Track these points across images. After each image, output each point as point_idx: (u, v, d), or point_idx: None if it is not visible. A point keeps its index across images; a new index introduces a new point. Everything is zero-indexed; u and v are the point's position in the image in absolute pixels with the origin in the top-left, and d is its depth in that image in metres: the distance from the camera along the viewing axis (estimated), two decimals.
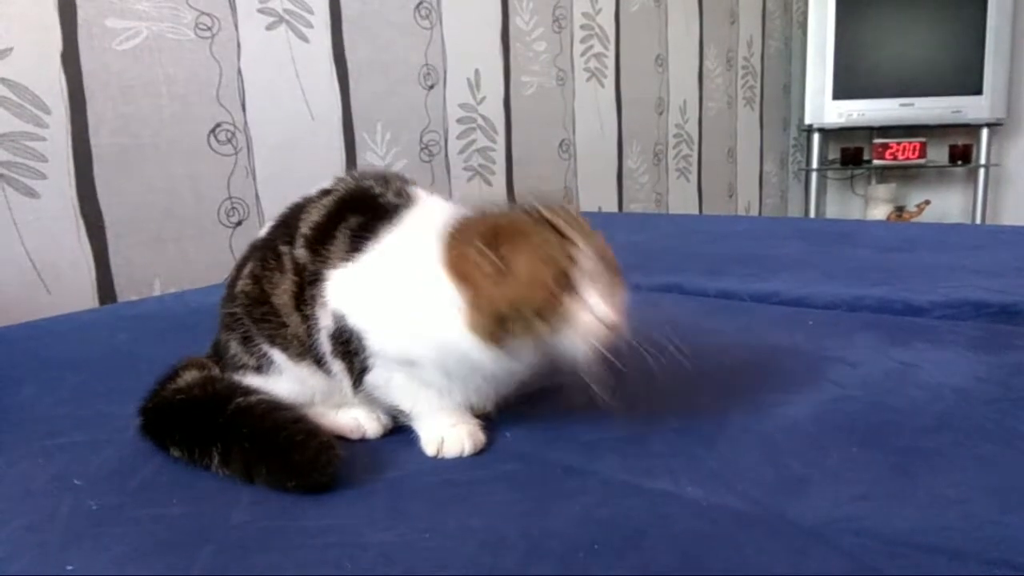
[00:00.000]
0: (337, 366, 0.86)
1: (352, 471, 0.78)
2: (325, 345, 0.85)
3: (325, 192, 0.91)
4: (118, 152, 1.82)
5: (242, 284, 0.90)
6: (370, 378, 0.84)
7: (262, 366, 0.88)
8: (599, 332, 0.71)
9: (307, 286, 0.84)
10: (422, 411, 0.85)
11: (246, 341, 0.89)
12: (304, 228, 0.87)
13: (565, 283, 0.71)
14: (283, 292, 0.86)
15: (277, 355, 0.87)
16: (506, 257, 0.73)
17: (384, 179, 0.91)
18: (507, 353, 0.75)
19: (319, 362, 0.86)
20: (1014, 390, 0.98)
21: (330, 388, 0.87)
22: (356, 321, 0.82)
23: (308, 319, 0.85)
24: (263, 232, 0.94)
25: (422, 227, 0.81)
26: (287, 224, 0.90)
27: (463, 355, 0.77)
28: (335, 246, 0.84)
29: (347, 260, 0.83)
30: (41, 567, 0.65)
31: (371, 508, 0.73)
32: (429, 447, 0.83)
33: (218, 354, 0.93)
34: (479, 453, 0.84)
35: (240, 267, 0.94)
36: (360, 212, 0.86)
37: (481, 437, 0.84)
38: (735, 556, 0.63)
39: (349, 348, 0.83)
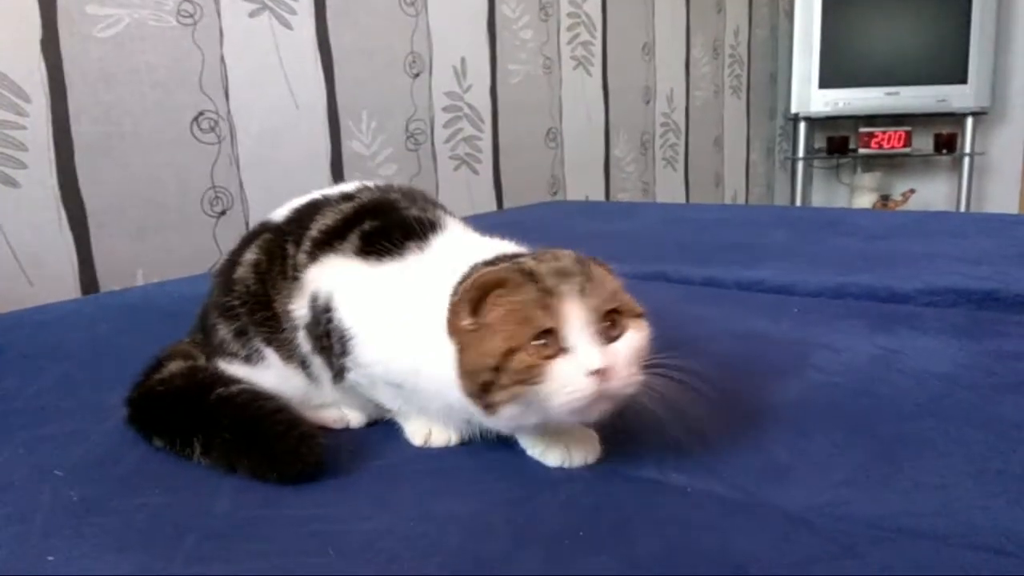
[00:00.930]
0: (316, 362, 0.84)
1: (335, 460, 0.77)
2: (303, 344, 0.83)
3: (346, 197, 0.88)
4: (100, 141, 1.80)
5: (243, 272, 0.88)
6: (352, 376, 0.82)
7: (251, 358, 0.87)
8: (583, 385, 0.66)
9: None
10: (409, 411, 0.83)
11: (240, 334, 0.87)
12: (314, 231, 0.85)
13: (541, 339, 0.67)
14: (285, 299, 0.84)
15: (269, 353, 0.87)
16: (486, 316, 0.69)
17: (411, 195, 0.89)
18: (503, 419, 0.71)
19: (304, 364, 0.85)
20: (997, 376, 0.98)
21: (315, 390, 0.86)
22: (345, 319, 0.79)
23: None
24: (276, 217, 0.92)
25: (443, 263, 0.77)
26: (300, 221, 0.87)
27: (460, 407, 0.74)
28: (342, 247, 0.82)
29: (349, 254, 0.81)
30: (21, 558, 0.64)
31: (355, 497, 0.73)
32: (415, 437, 0.82)
33: (204, 332, 0.92)
34: (466, 443, 0.83)
35: (241, 249, 0.91)
36: (378, 221, 0.83)
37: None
38: (720, 542, 0.63)
39: (325, 344, 0.81)
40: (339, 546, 0.64)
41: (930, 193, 4.54)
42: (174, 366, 0.88)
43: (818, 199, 4.82)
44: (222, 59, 2.01)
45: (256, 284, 0.87)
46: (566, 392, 0.67)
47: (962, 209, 4.23)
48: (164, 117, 1.91)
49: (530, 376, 0.67)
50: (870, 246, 1.76)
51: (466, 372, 0.70)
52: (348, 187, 0.91)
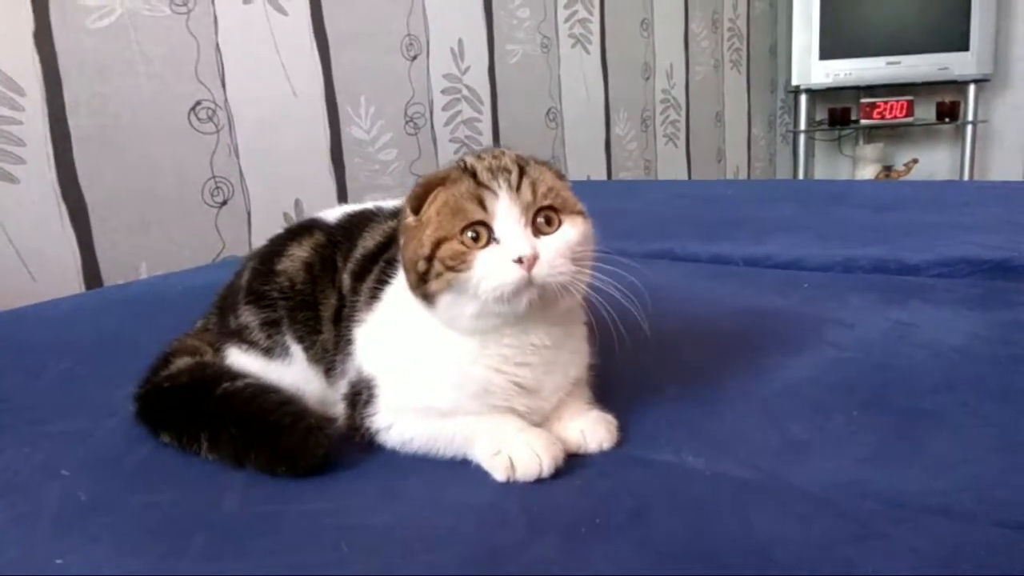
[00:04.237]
0: (340, 402, 0.82)
1: (344, 452, 0.76)
2: (342, 386, 0.82)
3: (395, 214, 0.87)
4: (97, 133, 1.78)
5: (290, 266, 0.87)
6: (392, 437, 0.77)
7: (273, 351, 0.86)
8: (506, 271, 0.68)
9: (344, 311, 0.83)
10: (470, 433, 0.75)
11: (268, 324, 0.86)
12: (359, 251, 0.85)
13: (471, 228, 0.70)
14: (329, 306, 0.85)
15: (297, 351, 0.86)
16: (427, 211, 0.73)
17: None
18: (441, 310, 0.72)
19: (328, 372, 0.85)
20: (1014, 346, 0.97)
21: (333, 393, 0.85)
22: (375, 377, 0.79)
23: (340, 336, 0.83)
24: (329, 217, 0.92)
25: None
26: (350, 234, 0.88)
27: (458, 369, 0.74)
28: (365, 285, 0.82)
29: (369, 310, 0.81)
30: (29, 561, 0.63)
31: (366, 489, 0.71)
32: (497, 472, 0.72)
33: (221, 312, 0.91)
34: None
35: (286, 241, 0.90)
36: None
37: (558, 447, 0.73)
38: (741, 525, 0.62)
39: (357, 399, 0.80)
40: (352, 540, 0.63)
41: (933, 162, 4.50)
42: (181, 362, 0.87)
43: (820, 172, 4.79)
44: (217, 47, 1.98)
45: (305, 284, 0.86)
46: (491, 278, 0.69)
47: (966, 178, 4.19)
48: (161, 107, 1.89)
49: (458, 263, 0.69)
50: (878, 218, 1.74)
51: (408, 264, 0.73)
52: (400, 202, 0.90)
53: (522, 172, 0.72)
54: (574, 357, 0.79)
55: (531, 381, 0.75)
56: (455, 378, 0.75)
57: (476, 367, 0.74)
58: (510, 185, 0.71)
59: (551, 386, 0.77)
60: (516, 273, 0.68)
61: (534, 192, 0.71)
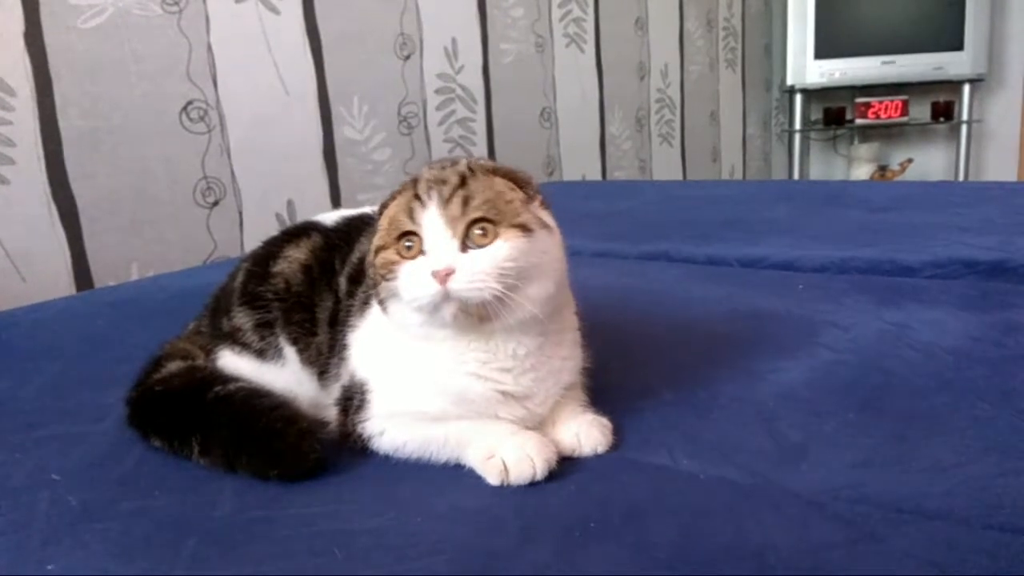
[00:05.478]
0: (333, 407, 0.82)
1: (337, 457, 0.75)
2: (335, 390, 0.82)
3: None
4: (88, 134, 1.77)
5: (286, 268, 0.87)
6: (385, 443, 0.77)
7: (266, 352, 0.86)
8: (424, 283, 0.69)
9: (340, 314, 0.83)
10: (462, 437, 0.75)
11: (262, 326, 0.86)
12: (356, 255, 0.85)
13: (405, 238, 0.72)
14: (325, 308, 0.85)
15: (290, 353, 0.85)
16: (381, 220, 0.76)
17: None
18: (394, 319, 0.74)
19: (321, 375, 0.84)
20: (1008, 348, 0.97)
21: (326, 396, 0.84)
22: (367, 382, 0.79)
23: (335, 339, 0.83)
24: (326, 221, 0.92)
25: None
26: (348, 238, 0.88)
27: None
28: (360, 289, 0.82)
29: (361, 316, 0.81)
30: (20, 568, 0.63)
31: (359, 494, 0.71)
32: (491, 475, 0.71)
33: (213, 314, 0.91)
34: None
35: (282, 243, 0.90)
36: None
37: (551, 449, 0.73)
38: (736, 530, 0.62)
39: (349, 404, 0.80)
40: (345, 545, 0.62)
41: (928, 162, 4.51)
42: (173, 366, 0.87)
43: (815, 171, 4.79)
44: (209, 47, 1.97)
45: (303, 286, 0.86)
46: (410, 289, 0.70)
47: (960, 178, 4.20)
48: (152, 108, 1.88)
49: (387, 272, 0.72)
50: (872, 218, 1.74)
51: (368, 271, 0.77)
52: None
53: (461, 184, 0.72)
54: (566, 363, 0.78)
55: (518, 388, 0.75)
56: (436, 385, 0.75)
57: (454, 376, 0.74)
58: (441, 197, 0.71)
59: (543, 393, 0.76)
60: (431, 287, 0.69)
61: (465, 205, 0.70)
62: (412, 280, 0.70)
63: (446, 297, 0.69)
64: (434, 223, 0.70)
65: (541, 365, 0.76)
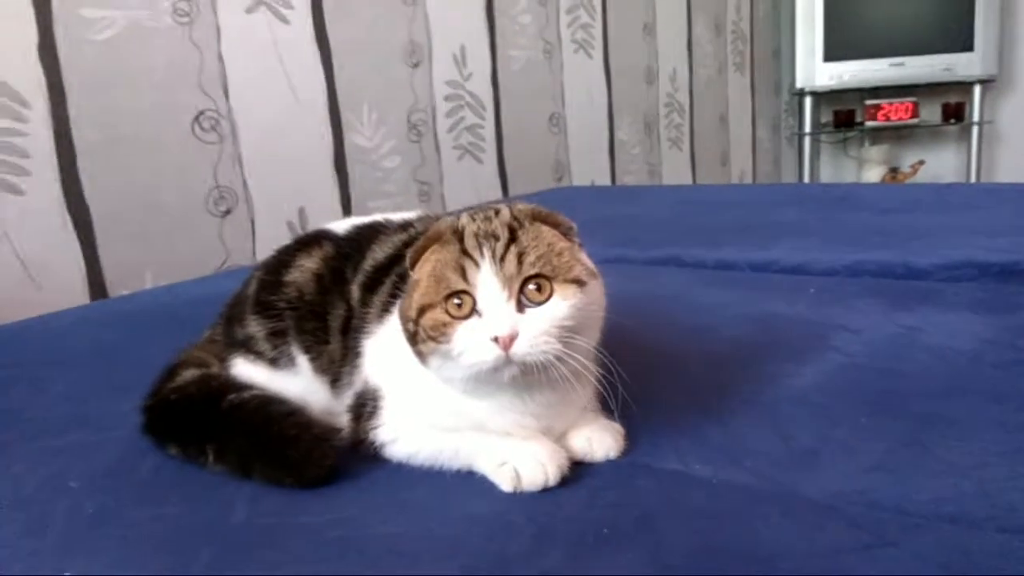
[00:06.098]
0: (345, 414, 0.82)
1: (350, 463, 0.76)
2: (348, 397, 0.82)
3: (404, 226, 0.87)
4: (101, 145, 1.78)
5: (299, 277, 0.87)
6: (397, 450, 0.77)
7: (279, 361, 0.86)
8: (484, 350, 0.67)
9: (353, 321, 0.83)
10: (475, 446, 0.75)
11: (275, 335, 0.86)
12: (368, 263, 0.84)
13: (455, 296, 0.68)
14: (337, 316, 0.84)
15: (303, 362, 0.86)
16: (420, 270, 0.72)
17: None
18: (433, 370, 0.71)
19: (334, 383, 0.84)
20: (1021, 351, 0.96)
21: (339, 404, 0.84)
22: (380, 388, 0.79)
23: (348, 347, 0.83)
24: (338, 229, 0.91)
25: None
26: (360, 246, 0.87)
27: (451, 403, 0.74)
28: (377, 297, 0.81)
29: (380, 322, 0.80)
30: (37, 574, 0.63)
31: (373, 500, 0.71)
32: (503, 483, 0.71)
33: (228, 322, 0.91)
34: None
35: (295, 252, 0.90)
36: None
37: (563, 455, 0.73)
38: (749, 535, 0.62)
39: (362, 411, 0.80)
40: (362, 551, 0.63)
41: (939, 164, 4.49)
42: (188, 374, 0.87)
43: (826, 174, 4.78)
44: (220, 57, 1.99)
45: (314, 295, 0.86)
46: (469, 354, 0.68)
47: (972, 179, 4.18)
48: (165, 118, 1.90)
49: (439, 334, 0.68)
50: (884, 221, 1.73)
51: (401, 320, 0.73)
52: (411, 215, 0.90)
53: (512, 239, 0.69)
54: (585, 390, 0.77)
55: (539, 425, 0.74)
56: (453, 409, 0.74)
57: (478, 410, 0.74)
58: (494, 255, 0.68)
59: (560, 424, 0.76)
60: (493, 353, 0.66)
61: (520, 262, 0.68)
62: (471, 345, 0.67)
63: (508, 362, 0.67)
64: (489, 283, 0.68)
65: (560, 400, 0.75)
